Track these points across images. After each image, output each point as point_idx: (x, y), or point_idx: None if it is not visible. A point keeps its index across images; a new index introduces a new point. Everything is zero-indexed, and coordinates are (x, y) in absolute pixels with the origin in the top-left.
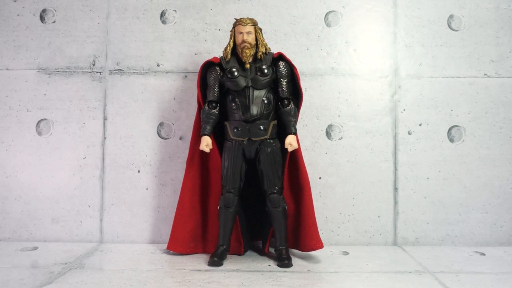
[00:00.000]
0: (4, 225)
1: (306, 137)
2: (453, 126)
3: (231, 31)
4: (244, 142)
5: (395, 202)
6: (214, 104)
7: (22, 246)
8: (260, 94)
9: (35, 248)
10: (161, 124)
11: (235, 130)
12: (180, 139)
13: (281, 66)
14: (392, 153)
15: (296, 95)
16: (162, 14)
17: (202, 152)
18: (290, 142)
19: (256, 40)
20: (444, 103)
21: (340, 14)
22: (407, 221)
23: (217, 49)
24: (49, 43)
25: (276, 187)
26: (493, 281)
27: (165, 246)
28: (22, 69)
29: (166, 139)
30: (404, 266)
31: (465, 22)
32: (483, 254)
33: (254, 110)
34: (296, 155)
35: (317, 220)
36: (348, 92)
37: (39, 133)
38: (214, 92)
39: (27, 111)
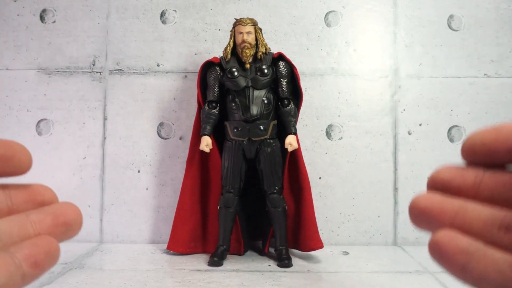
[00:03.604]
0: None
1: (306, 137)
2: (453, 126)
3: (231, 31)
4: (244, 142)
5: (395, 202)
6: (214, 104)
7: None
8: (260, 94)
9: None
10: (161, 124)
11: (235, 130)
12: (180, 139)
13: (281, 66)
14: (392, 153)
15: (296, 95)
16: (162, 14)
17: (202, 152)
18: (290, 142)
19: (256, 40)
20: (444, 103)
21: (340, 14)
22: (407, 221)
23: (217, 49)
24: (49, 43)
25: (276, 187)
26: None
27: (165, 246)
28: (22, 69)
29: (166, 139)
30: (404, 266)
31: (465, 22)
32: None
33: (254, 110)
34: (296, 155)
35: (317, 220)
36: (348, 92)
37: (39, 133)
38: (214, 92)
39: (27, 111)
